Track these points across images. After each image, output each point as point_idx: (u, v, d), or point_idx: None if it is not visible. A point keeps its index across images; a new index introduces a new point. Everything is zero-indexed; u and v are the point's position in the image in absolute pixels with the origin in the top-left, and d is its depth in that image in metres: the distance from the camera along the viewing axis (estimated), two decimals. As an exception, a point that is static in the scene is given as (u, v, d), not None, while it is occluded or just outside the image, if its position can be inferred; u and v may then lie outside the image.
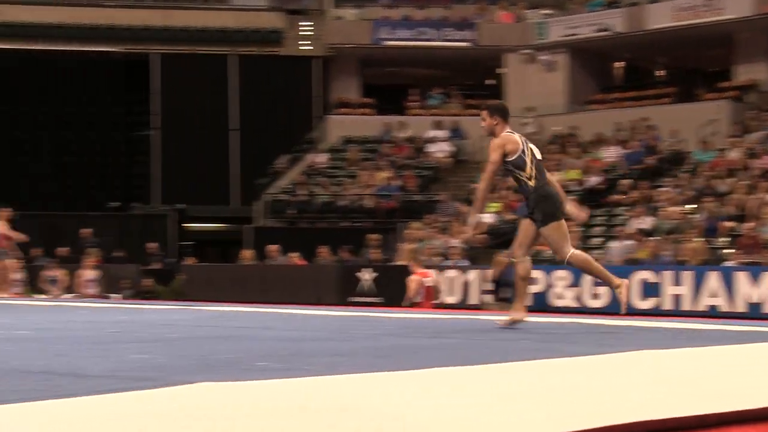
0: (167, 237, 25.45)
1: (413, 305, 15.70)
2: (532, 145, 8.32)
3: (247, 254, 21.44)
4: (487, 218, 20.73)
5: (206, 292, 18.02)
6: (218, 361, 5.64)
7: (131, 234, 24.65)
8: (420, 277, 16.26)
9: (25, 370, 5.17)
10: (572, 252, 8.18)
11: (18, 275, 18.38)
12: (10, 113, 29.00)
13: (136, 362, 5.54)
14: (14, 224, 18.12)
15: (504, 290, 15.16)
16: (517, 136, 8.27)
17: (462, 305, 15.66)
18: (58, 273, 19.50)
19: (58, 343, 7.02)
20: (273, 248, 20.48)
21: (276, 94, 29.93)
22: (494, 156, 8.17)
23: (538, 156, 8.27)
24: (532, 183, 8.13)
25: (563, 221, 8.20)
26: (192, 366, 5.38)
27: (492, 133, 8.35)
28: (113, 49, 29.63)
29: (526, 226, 8.25)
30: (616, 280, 8.22)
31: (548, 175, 8.37)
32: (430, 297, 16.16)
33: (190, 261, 22.68)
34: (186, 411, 3.63)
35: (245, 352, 6.19)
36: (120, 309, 13.06)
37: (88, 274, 19.28)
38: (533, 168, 8.14)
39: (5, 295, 17.54)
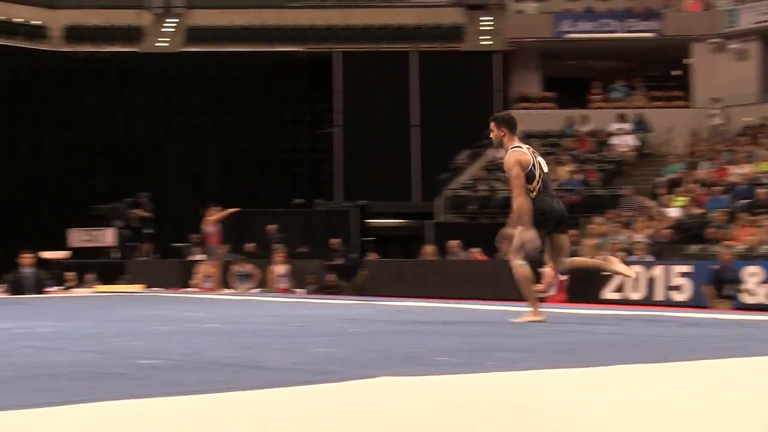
0: (350, 233, 25.80)
1: (543, 299, 15.60)
2: (540, 159, 8.50)
3: (429, 250, 21.52)
4: (673, 212, 20.18)
5: (388, 288, 18.15)
6: (399, 356, 5.67)
7: (315, 230, 25.09)
8: (553, 270, 16.10)
9: (214, 362, 5.33)
10: (521, 263, 8.37)
11: (214, 271, 19.00)
12: (205, 113, 30.01)
13: (319, 356, 5.62)
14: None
15: (728, 287, 14.73)
16: (526, 149, 8.45)
17: (647, 302, 15.28)
18: (248, 268, 20.04)
19: (245, 336, 7.21)
20: (454, 244, 20.48)
21: (456, 89, 29.93)
22: (516, 171, 8.30)
23: (545, 169, 8.48)
24: (533, 195, 8.33)
25: (539, 234, 8.38)
26: (374, 360, 5.43)
27: (500, 145, 8.61)
28: (297, 49, 30.28)
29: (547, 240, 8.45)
30: (536, 309, 8.37)
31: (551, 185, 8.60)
32: (563, 290, 15.96)
33: (371, 257, 22.92)
34: (369, 404, 3.66)
35: (426, 347, 6.20)
36: (304, 304, 13.32)
37: (280, 269, 19.74)
38: (540, 182, 8.35)
39: (226, 290, 18.19)
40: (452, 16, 30.79)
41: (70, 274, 20.99)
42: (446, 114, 29.85)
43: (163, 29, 31.05)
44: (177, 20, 31.13)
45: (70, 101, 29.80)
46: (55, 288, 19.00)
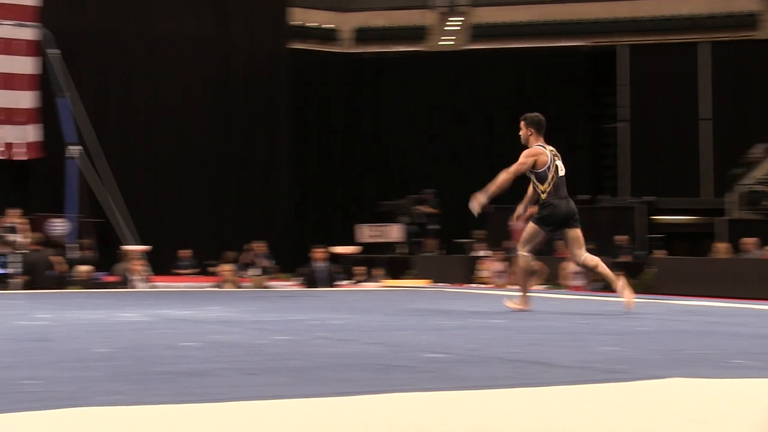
0: (635, 229, 25.25)
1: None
2: (558, 162, 9.26)
3: (721, 247, 20.70)
4: None
5: (676, 286, 17.61)
6: (688, 356, 5.48)
7: (599, 226, 24.73)
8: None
9: (499, 357, 5.35)
10: (525, 254, 9.46)
11: (503, 267, 19.05)
12: (489, 108, 30.23)
13: (605, 354, 5.53)
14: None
15: None
16: (548, 151, 9.22)
17: None
18: (536, 264, 19.98)
19: (529, 332, 7.19)
20: (749, 241, 19.59)
21: (750, 80, 28.64)
22: (525, 159, 9.20)
23: (561, 173, 9.28)
24: (544, 196, 9.22)
25: (543, 233, 9.36)
26: (661, 360, 5.27)
27: (527, 143, 9.32)
28: (581, 44, 29.93)
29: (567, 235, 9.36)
30: (527, 303, 9.42)
31: (565, 191, 9.29)
32: None
33: (659, 254, 22.31)
34: (659, 405, 3.56)
35: (718, 348, 5.96)
36: (589, 301, 13.15)
37: (573, 266, 19.57)
38: (551, 185, 9.18)
39: (512, 287, 18.31)
40: (746, 4, 29.47)
41: (360, 269, 21.68)
42: (739, 106, 28.62)
43: (447, 28, 31.54)
44: (461, 18, 31.53)
45: (359, 100, 30.83)
46: (345, 282, 19.69)
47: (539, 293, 15.96)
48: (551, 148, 9.31)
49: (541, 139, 9.30)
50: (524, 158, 9.21)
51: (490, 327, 7.72)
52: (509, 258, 19.28)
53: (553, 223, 9.28)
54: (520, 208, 9.73)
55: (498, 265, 19.26)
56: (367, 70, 30.83)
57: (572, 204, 9.38)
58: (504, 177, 9.27)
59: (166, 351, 5.59)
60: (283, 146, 28.34)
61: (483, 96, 30.20)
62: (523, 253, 9.48)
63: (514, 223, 19.14)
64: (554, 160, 9.22)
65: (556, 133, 30.89)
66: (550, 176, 9.17)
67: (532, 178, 9.30)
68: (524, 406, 3.54)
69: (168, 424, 3.20)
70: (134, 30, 26.70)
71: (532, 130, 9.29)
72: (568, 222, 9.27)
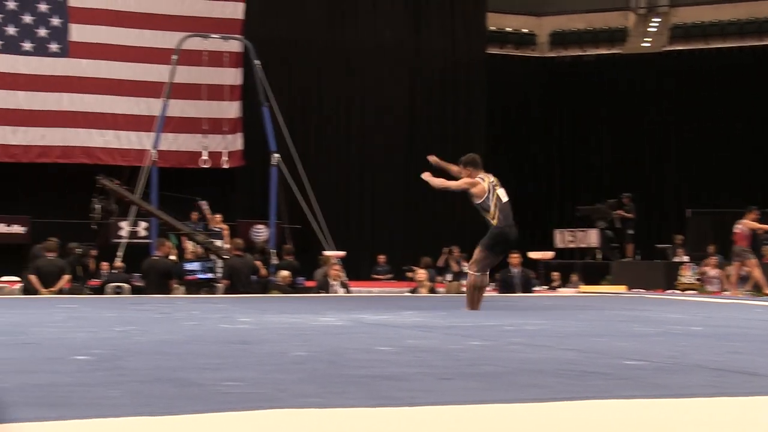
0: None
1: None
2: (499, 191, 10.19)
3: None
4: None
5: None
6: None
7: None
8: None
9: (699, 365, 5.21)
10: (475, 274, 10.31)
11: (757, 272, 18.39)
12: (690, 112, 29.40)
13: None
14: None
15: None
16: (485, 183, 10.15)
17: None
18: (752, 270, 19.31)
19: (733, 340, 6.97)
20: None
21: None
22: (461, 183, 10.24)
23: (504, 199, 10.20)
24: (494, 222, 10.14)
25: (492, 255, 10.35)
26: None
27: None
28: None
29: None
30: (470, 307, 10.32)
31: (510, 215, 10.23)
32: None
33: None
34: None
35: None
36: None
37: None
38: (497, 210, 10.11)
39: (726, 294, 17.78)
40: None
41: (556, 274, 21.48)
42: None
43: (646, 29, 30.88)
44: (660, 19, 30.82)
45: (555, 105, 30.55)
46: (541, 287, 19.54)
47: (746, 300, 15.41)
48: (492, 179, 10.22)
49: (481, 173, 10.27)
50: (462, 183, 10.22)
51: (691, 334, 7.51)
52: (722, 264, 18.67)
53: (500, 248, 10.38)
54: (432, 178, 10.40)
55: (711, 271, 18.70)
56: (564, 74, 30.51)
57: (516, 232, 10.36)
58: (443, 183, 10.31)
59: (362, 355, 5.70)
60: (479, 151, 28.33)
61: (682, 98, 29.40)
62: (471, 272, 10.35)
63: (741, 227, 18.51)
64: (494, 190, 10.12)
65: (763, 135, 29.88)
66: (492, 204, 10.07)
67: (478, 209, 10.17)
68: (722, 415, 3.44)
69: (362, 427, 3.26)
70: (332, 39, 27.32)
71: (470, 169, 10.27)
72: (509, 249, 10.42)
